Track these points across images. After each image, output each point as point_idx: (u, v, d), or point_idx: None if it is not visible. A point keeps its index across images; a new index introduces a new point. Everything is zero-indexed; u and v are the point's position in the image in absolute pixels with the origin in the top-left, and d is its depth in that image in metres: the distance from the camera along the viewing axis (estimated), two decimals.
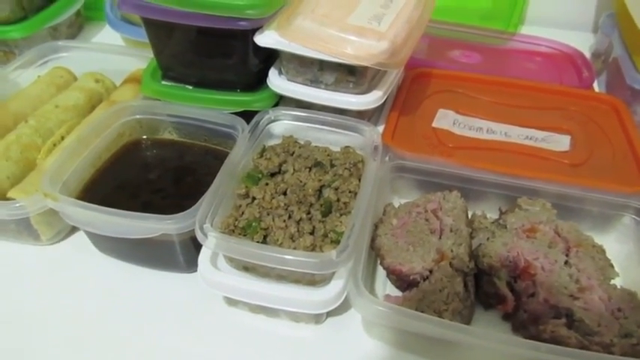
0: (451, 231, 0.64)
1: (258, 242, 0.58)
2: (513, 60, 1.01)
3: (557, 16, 1.11)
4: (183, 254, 0.66)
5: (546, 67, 0.99)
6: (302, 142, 0.73)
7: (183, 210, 0.65)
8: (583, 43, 1.05)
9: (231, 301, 0.64)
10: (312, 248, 0.57)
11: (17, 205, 0.65)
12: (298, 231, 0.59)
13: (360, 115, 0.75)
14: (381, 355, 0.60)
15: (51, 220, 0.70)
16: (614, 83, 0.95)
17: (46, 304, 0.66)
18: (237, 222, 0.60)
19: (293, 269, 0.53)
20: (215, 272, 0.59)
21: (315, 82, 0.73)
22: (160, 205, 0.68)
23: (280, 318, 0.63)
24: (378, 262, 0.64)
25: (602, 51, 1.01)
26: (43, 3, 1.02)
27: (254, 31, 0.71)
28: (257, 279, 0.59)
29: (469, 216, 0.68)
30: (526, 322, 0.60)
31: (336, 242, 0.58)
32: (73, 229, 0.74)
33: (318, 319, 0.62)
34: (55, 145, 0.77)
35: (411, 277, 0.60)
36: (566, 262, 0.62)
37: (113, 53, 0.94)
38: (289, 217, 0.61)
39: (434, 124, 0.80)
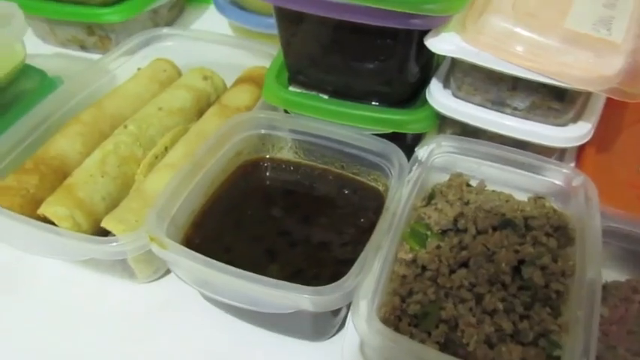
0: None
1: (438, 343, 0.41)
2: None
3: None
4: (315, 324, 0.51)
5: None
6: (474, 184, 0.55)
7: (317, 267, 0.51)
8: None
9: None
10: None
11: (114, 244, 0.51)
12: (496, 331, 0.41)
13: (544, 151, 0.56)
14: None
15: (151, 258, 0.56)
16: None
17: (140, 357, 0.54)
18: (405, 305, 0.43)
19: None
20: None
21: (498, 105, 0.54)
22: (288, 255, 0.53)
23: None
24: None
25: None
26: None
27: (423, 32, 0.53)
28: None
29: None
30: None
31: (554, 359, 0.40)
32: None
33: None
34: (156, 157, 0.63)
35: None
36: None
37: (221, 44, 0.78)
38: (477, 302, 0.43)
39: None
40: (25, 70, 0.72)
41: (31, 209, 0.57)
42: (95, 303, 0.58)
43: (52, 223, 0.55)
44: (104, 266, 0.59)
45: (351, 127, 0.59)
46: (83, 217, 0.57)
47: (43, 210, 0.56)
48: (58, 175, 0.60)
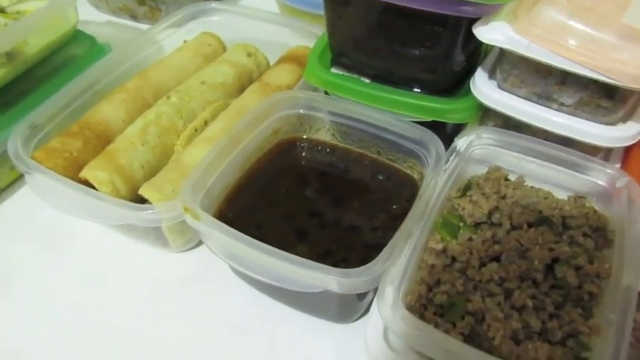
0: None
1: (463, 334, 0.40)
2: None
3: None
4: (341, 305, 0.51)
5: None
6: (512, 179, 0.53)
7: (346, 251, 0.51)
8: None
9: None
10: None
11: (150, 212, 0.53)
12: (523, 328, 0.40)
13: (589, 150, 0.54)
14: None
15: (184, 228, 0.57)
16: None
17: (168, 324, 0.55)
18: (431, 294, 0.43)
19: None
20: (391, 357, 0.43)
21: (544, 99, 0.53)
22: (318, 236, 0.53)
23: None
24: None
25: None
26: None
27: (472, 20, 0.52)
28: None
29: None
30: None
31: (580, 359, 0.39)
32: None
33: None
34: (196, 130, 0.64)
35: None
36: None
37: (267, 22, 0.78)
38: (505, 297, 0.42)
39: None
40: (76, 36, 0.74)
41: (74, 172, 0.58)
42: (128, 268, 0.60)
43: (93, 187, 0.57)
44: (139, 233, 0.60)
45: (390, 112, 0.58)
46: (122, 183, 0.58)
47: (84, 173, 0.57)
48: (101, 141, 0.62)
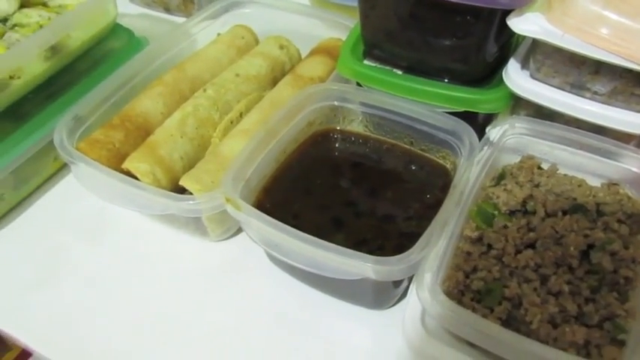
0: None
1: (500, 319, 0.42)
2: None
3: None
4: (376, 292, 0.53)
5: None
6: (545, 167, 0.54)
7: (381, 239, 0.53)
8: None
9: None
10: (585, 347, 0.40)
11: (191, 202, 0.54)
12: (560, 312, 0.41)
13: (623, 138, 0.54)
14: None
15: (223, 218, 0.59)
16: None
17: (208, 310, 0.57)
18: (468, 280, 0.44)
19: None
20: (429, 341, 0.44)
21: (577, 88, 0.53)
22: (353, 225, 0.55)
23: None
24: None
25: None
26: None
27: (506, 11, 0.52)
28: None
29: None
30: None
31: (618, 342, 0.40)
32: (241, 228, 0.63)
33: None
34: (232, 122, 0.66)
35: None
36: None
37: (299, 14, 0.79)
38: (542, 283, 0.43)
39: None
40: (115, 29, 0.76)
41: (116, 162, 0.60)
42: (168, 256, 0.62)
43: (135, 177, 0.59)
44: (179, 222, 0.62)
45: (422, 103, 0.59)
46: (163, 174, 0.60)
47: (127, 165, 0.60)
48: (141, 132, 0.64)
